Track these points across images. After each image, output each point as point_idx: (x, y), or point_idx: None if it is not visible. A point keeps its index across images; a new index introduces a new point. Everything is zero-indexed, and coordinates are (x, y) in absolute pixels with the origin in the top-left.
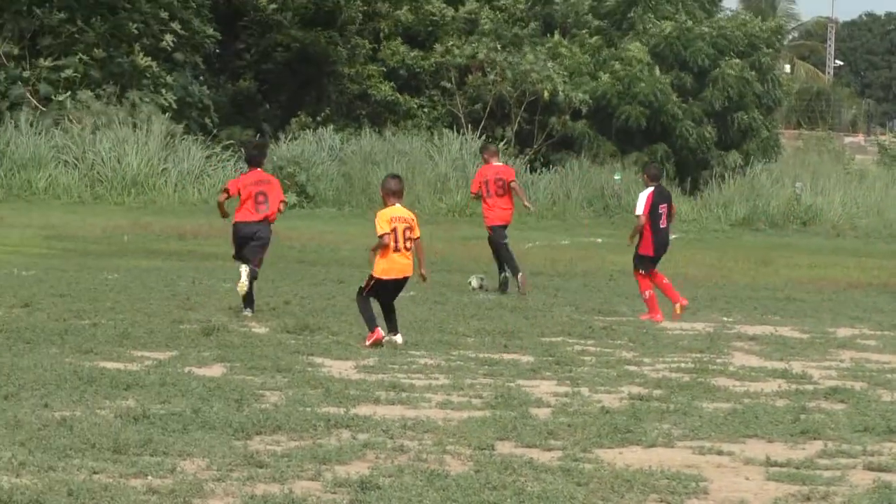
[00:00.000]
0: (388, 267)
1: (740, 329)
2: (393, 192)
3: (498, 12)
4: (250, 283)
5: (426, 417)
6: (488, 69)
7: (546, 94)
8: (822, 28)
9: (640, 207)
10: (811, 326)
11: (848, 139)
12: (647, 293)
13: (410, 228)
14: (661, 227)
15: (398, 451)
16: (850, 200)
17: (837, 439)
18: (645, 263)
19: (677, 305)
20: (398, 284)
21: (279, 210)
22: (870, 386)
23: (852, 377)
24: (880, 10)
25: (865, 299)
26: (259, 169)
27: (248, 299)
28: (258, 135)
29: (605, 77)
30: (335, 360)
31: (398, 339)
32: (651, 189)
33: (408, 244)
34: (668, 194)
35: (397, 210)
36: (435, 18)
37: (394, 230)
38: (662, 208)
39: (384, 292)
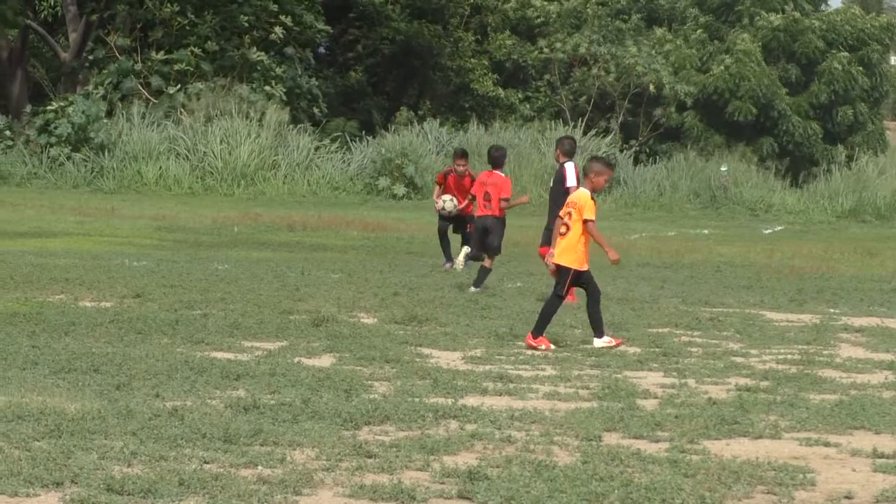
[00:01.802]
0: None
1: (847, 321)
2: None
3: (601, 6)
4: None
5: (533, 408)
6: (591, 62)
7: (652, 86)
8: None
9: (572, 179)
10: None
11: None
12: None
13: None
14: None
15: (506, 441)
16: None
17: None
18: None
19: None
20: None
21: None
22: None
23: None
24: None
25: None
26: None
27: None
28: (363, 127)
29: (715, 70)
30: (443, 351)
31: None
32: (573, 163)
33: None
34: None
35: None
36: (538, 15)
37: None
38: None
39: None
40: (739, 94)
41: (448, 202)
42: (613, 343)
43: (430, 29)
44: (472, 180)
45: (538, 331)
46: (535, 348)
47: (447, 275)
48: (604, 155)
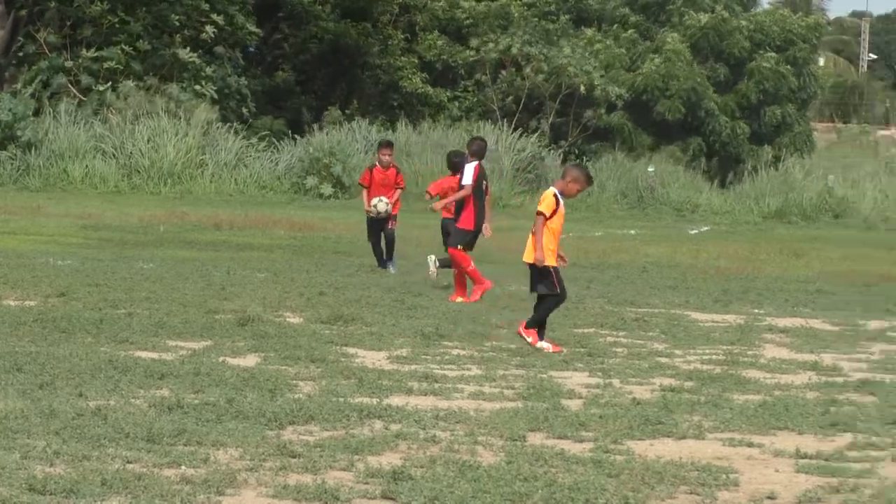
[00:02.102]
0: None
1: (771, 321)
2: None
3: (528, 7)
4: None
5: (458, 408)
6: (523, 62)
7: (583, 87)
8: (856, 22)
9: (468, 178)
10: (842, 319)
11: (881, 132)
12: (470, 266)
13: None
14: (483, 203)
15: (430, 441)
16: (882, 193)
17: (867, 431)
18: (465, 238)
19: (459, 298)
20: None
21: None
22: None
23: (883, 370)
24: None
25: None
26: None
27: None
28: (290, 125)
29: (644, 69)
30: (368, 351)
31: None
32: (476, 163)
33: None
34: (486, 174)
35: None
36: (466, 15)
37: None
38: (485, 184)
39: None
40: (668, 93)
41: (380, 203)
42: (552, 349)
43: (358, 28)
44: (398, 172)
45: (531, 323)
46: (523, 338)
47: (373, 274)
48: (575, 164)
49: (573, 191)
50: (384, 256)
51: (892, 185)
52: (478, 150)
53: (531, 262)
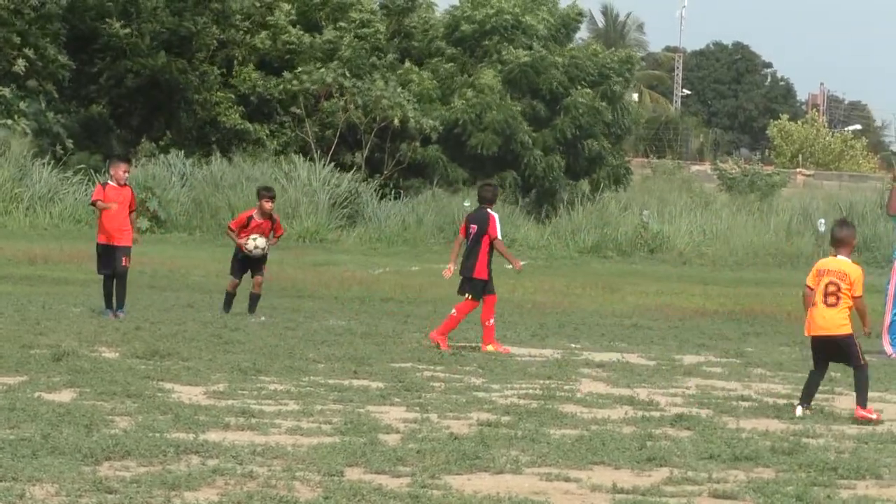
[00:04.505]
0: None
1: (588, 356)
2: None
3: (359, 40)
4: None
5: (276, 443)
6: (337, 95)
7: (396, 120)
8: (671, 58)
9: (498, 231)
10: (658, 353)
11: (695, 167)
12: (462, 318)
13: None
14: (470, 248)
15: (247, 477)
16: (696, 228)
17: (683, 466)
18: (477, 287)
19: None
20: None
21: None
22: (715, 413)
23: (698, 404)
24: (727, 40)
25: (711, 326)
26: None
27: None
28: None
29: (458, 103)
30: (185, 386)
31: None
32: (495, 214)
33: (829, 299)
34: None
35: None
36: (292, 46)
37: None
38: (472, 229)
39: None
40: (482, 126)
41: (258, 239)
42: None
43: (177, 63)
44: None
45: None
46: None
47: (190, 309)
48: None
49: None
50: (113, 300)
51: (707, 221)
52: (493, 197)
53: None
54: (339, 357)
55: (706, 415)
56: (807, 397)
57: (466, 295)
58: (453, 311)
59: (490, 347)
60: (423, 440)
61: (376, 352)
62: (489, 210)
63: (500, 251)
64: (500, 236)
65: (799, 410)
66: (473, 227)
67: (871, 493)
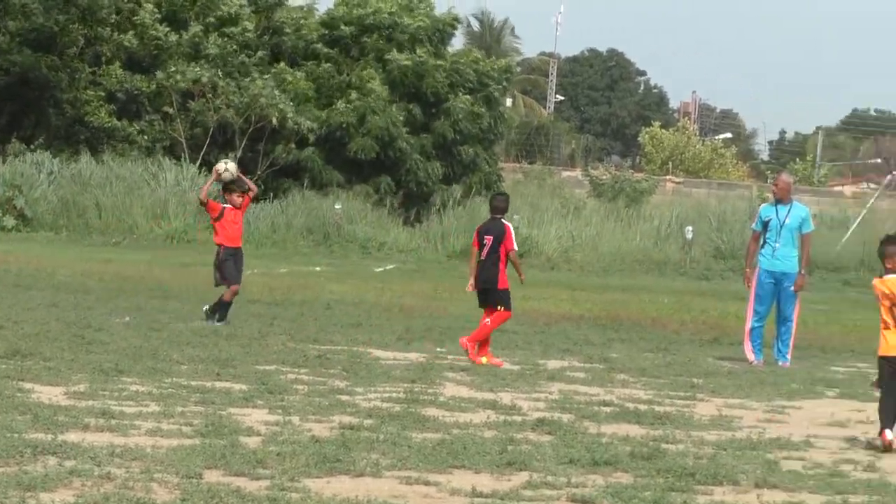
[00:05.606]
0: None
1: (452, 360)
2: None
3: (225, 38)
4: None
5: (135, 445)
6: (211, 95)
7: (274, 120)
8: (546, 62)
9: (514, 243)
10: (522, 358)
11: (566, 173)
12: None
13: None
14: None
15: (105, 478)
16: (565, 234)
17: (543, 471)
18: (508, 299)
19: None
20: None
21: None
22: (577, 418)
23: (560, 409)
24: (602, 47)
25: (576, 332)
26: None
27: None
28: None
29: (339, 106)
30: (45, 386)
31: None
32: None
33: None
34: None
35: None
36: (160, 43)
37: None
38: (486, 239)
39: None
40: (363, 130)
41: (229, 163)
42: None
43: (46, 60)
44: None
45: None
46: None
47: (54, 308)
48: (217, 189)
49: None
50: None
51: (576, 227)
52: (506, 207)
53: None
54: (202, 359)
55: (567, 419)
56: (891, 420)
57: (499, 307)
58: (487, 320)
59: (484, 359)
60: (283, 443)
61: (241, 354)
62: (504, 220)
63: (513, 262)
64: (516, 247)
65: (889, 434)
66: (488, 239)
67: (727, 498)
